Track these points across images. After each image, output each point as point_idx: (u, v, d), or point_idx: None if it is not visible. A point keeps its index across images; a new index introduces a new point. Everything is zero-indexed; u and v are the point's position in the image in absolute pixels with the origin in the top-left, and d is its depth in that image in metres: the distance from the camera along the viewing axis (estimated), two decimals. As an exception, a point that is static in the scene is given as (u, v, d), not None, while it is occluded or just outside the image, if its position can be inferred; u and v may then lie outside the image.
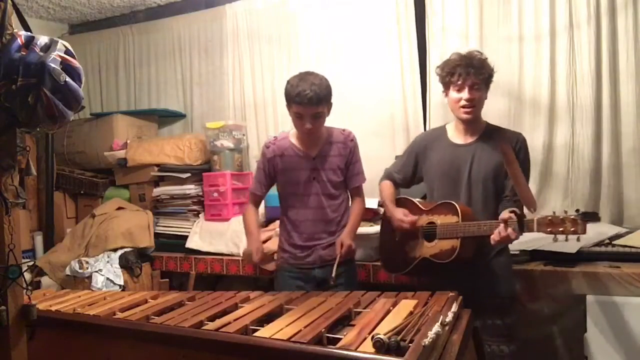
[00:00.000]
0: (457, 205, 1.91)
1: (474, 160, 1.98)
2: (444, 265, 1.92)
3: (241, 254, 2.78)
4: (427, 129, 3.06)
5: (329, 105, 2.13)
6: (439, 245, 1.96)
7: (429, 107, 3.07)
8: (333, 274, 2.03)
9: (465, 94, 1.94)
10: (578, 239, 1.64)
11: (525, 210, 1.86)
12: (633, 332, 2.07)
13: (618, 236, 2.44)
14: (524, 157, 1.98)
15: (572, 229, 1.61)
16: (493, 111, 2.86)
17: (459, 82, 1.95)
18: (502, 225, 1.76)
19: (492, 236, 1.79)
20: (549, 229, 1.66)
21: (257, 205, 2.30)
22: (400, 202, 2.17)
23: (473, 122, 2.01)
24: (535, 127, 2.79)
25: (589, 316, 2.14)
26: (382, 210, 2.96)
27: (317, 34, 3.37)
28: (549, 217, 1.66)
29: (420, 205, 2.09)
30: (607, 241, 2.41)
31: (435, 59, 3.02)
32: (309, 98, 2.02)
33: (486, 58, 1.99)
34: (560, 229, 1.63)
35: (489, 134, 2.01)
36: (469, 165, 1.98)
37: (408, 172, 2.19)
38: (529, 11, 2.80)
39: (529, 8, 2.80)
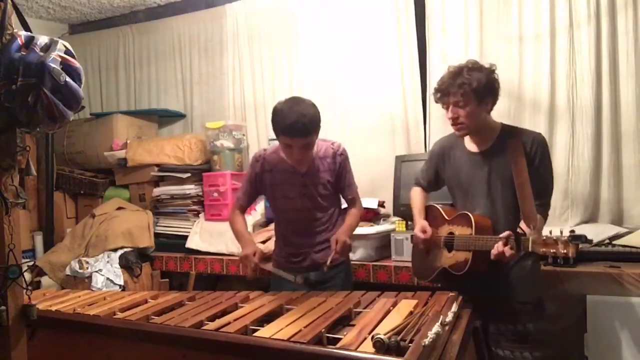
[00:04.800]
0: (472, 216, 1.89)
1: (491, 170, 1.93)
2: (463, 275, 1.89)
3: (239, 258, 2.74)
4: (427, 129, 3.07)
5: (318, 131, 2.05)
6: (455, 256, 1.94)
7: (429, 107, 3.07)
8: (327, 264, 2.00)
9: (449, 113, 1.92)
10: (570, 262, 1.64)
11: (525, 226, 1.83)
12: (633, 332, 2.07)
13: (618, 236, 2.44)
14: (540, 160, 1.88)
15: (564, 251, 1.61)
16: (493, 111, 2.86)
17: (442, 104, 1.94)
18: (496, 242, 1.75)
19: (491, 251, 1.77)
20: (542, 250, 1.65)
21: (242, 211, 2.27)
22: (427, 210, 2.15)
23: (478, 132, 1.96)
24: (535, 127, 2.78)
25: (589, 316, 2.14)
26: (382, 210, 2.98)
27: (317, 34, 3.37)
28: (544, 238, 1.66)
29: (444, 214, 2.06)
30: (607, 241, 2.41)
31: (435, 59, 3.02)
32: (298, 130, 1.93)
33: (477, 68, 1.89)
34: (553, 251, 1.63)
35: (505, 138, 1.94)
36: (486, 175, 1.94)
37: (431, 179, 2.17)
38: (529, 11, 2.80)
39: (529, 8, 2.80)
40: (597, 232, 2.47)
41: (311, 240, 2.16)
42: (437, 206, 2.13)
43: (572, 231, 1.66)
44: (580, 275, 2.18)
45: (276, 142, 2.29)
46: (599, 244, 2.38)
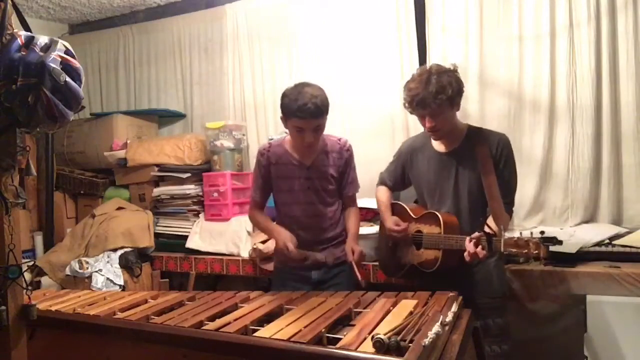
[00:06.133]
0: (440, 216, 1.94)
1: (458, 170, 1.98)
2: (431, 272, 1.95)
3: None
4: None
5: (327, 113, 2.09)
6: (425, 254, 2.00)
7: (429, 107, 3.07)
8: (359, 277, 2.03)
9: (427, 123, 1.95)
10: (540, 262, 1.67)
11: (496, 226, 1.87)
12: (633, 332, 2.07)
13: (618, 236, 2.44)
14: (506, 162, 1.94)
15: (535, 252, 1.64)
16: (493, 111, 2.87)
17: (418, 115, 1.98)
18: (467, 242, 1.79)
19: (464, 253, 1.81)
20: (514, 250, 1.69)
21: (261, 208, 2.29)
22: (393, 208, 2.21)
23: (448, 133, 2.01)
24: (535, 127, 2.79)
25: (589, 316, 2.14)
26: (382, 211, 2.98)
27: (317, 34, 3.37)
28: (515, 239, 1.70)
29: (410, 213, 2.12)
30: (607, 241, 2.41)
31: (436, 59, 3.02)
32: (311, 112, 1.96)
33: (444, 71, 1.90)
34: (524, 251, 1.67)
35: (471, 139, 1.99)
36: (454, 175, 1.99)
37: (398, 179, 2.23)
38: (529, 11, 2.80)
39: (529, 8, 2.80)
40: (597, 232, 2.47)
41: (315, 237, 2.16)
42: (402, 204, 2.18)
43: (542, 232, 1.70)
44: (580, 275, 2.18)
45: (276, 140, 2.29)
46: (599, 244, 2.38)
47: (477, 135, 2.00)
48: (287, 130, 2.18)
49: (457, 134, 2.02)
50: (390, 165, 2.28)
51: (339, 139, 2.24)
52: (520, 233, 1.71)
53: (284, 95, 2.05)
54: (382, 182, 2.30)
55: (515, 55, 2.84)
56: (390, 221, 2.11)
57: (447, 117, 1.94)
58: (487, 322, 1.94)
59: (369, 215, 2.84)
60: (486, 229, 1.83)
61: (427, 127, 1.96)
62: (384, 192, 2.26)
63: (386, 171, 2.30)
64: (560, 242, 1.68)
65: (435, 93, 1.85)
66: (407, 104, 1.97)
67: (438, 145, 2.05)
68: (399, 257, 2.13)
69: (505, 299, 2.04)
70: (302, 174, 2.15)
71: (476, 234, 1.79)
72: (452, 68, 1.93)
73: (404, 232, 2.07)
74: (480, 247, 1.77)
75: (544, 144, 2.77)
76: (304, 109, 1.95)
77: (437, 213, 1.96)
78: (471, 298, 1.88)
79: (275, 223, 2.23)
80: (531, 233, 1.69)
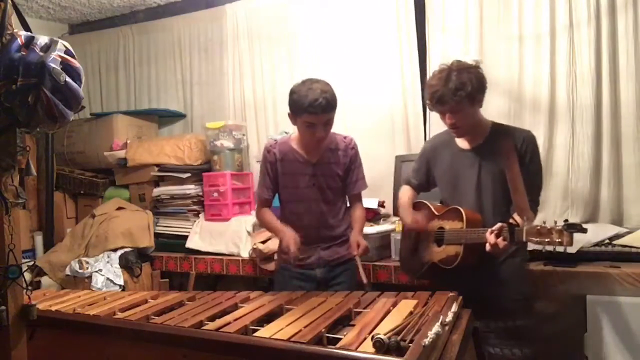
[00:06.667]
0: (462, 211, 1.90)
1: (481, 166, 1.96)
2: (452, 270, 1.91)
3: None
4: (427, 128, 3.07)
5: (336, 108, 2.11)
6: (446, 250, 1.96)
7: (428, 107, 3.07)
8: (364, 279, 2.03)
9: (447, 120, 1.94)
10: (564, 250, 1.64)
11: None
12: (633, 332, 2.07)
13: (618, 236, 2.44)
14: (531, 158, 1.92)
15: (559, 240, 1.61)
16: (493, 110, 2.86)
17: (438, 112, 1.96)
18: (488, 233, 1.76)
19: (486, 245, 1.78)
20: (537, 239, 1.66)
21: (269, 206, 2.28)
22: (416, 206, 2.18)
23: (471, 130, 1.99)
24: (535, 126, 2.78)
25: (589, 316, 2.14)
26: (382, 210, 2.98)
27: (317, 34, 3.37)
28: (538, 227, 1.66)
29: (434, 210, 2.08)
30: (607, 241, 2.41)
31: (436, 59, 3.02)
32: (323, 107, 1.99)
33: (465, 68, 1.88)
34: (547, 240, 1.63)
35: (495, 135, 1.97)
36: (477, 171, 1.96)
37: (422, 178, 2.19)
38: (529, 11, 2.80)
39: (529, 8, 2.80)
40: (597, 232, 2.47)
41: (317, 235, 2.16)
42: (426, 202, 2.15)
43: (566, 220, 1.66)
44: (580, 275, 2.18)
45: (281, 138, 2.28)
46: (599, 244, 2.38)
47: (501, 132, 1.98)
48: (287, 131, 2.19)
49: (481, 130, 1.99)
50: (415, 165, 2.25)
51: (345, 137, 2.25)
52: (544, 222, 1.67)
53: (293, 92, 2.06)
54: (406, 182, 2.27)
55: (515, 55, 2.84)
56: (410, 218, 2.10)
57: (468, 114, 1.91)
58: (509, 323, 1.89)
59: (370, 215, 2.84)
60: (510, 221, 1.79)
61: (447, 124, 1.95)
62: (406, 191, 2.23)
63: (412, 171, 2.28)
64: (585, 230, 1.62)
65: (454, 90, 1.83)
66: (427, 101, 1.97)
67: (461, 142, 2.03)
68: (420, 256, 2.10)
69: (530, 300, 2.00)
70: (308, 170, 2.16)
71: (498, 225, 1.75)
72: (474, 64, 1.90)
73: (422, 226, 2.05)
74: (501, 238, 1.73)
75: (544, 144, 2.76)
76: (316, 104, 1.98)
77: (460, 208, 1.92)
78: (491, 299, 1.88)
79: (280, 223, 2.23)
80: (555, 222, 1.64)
